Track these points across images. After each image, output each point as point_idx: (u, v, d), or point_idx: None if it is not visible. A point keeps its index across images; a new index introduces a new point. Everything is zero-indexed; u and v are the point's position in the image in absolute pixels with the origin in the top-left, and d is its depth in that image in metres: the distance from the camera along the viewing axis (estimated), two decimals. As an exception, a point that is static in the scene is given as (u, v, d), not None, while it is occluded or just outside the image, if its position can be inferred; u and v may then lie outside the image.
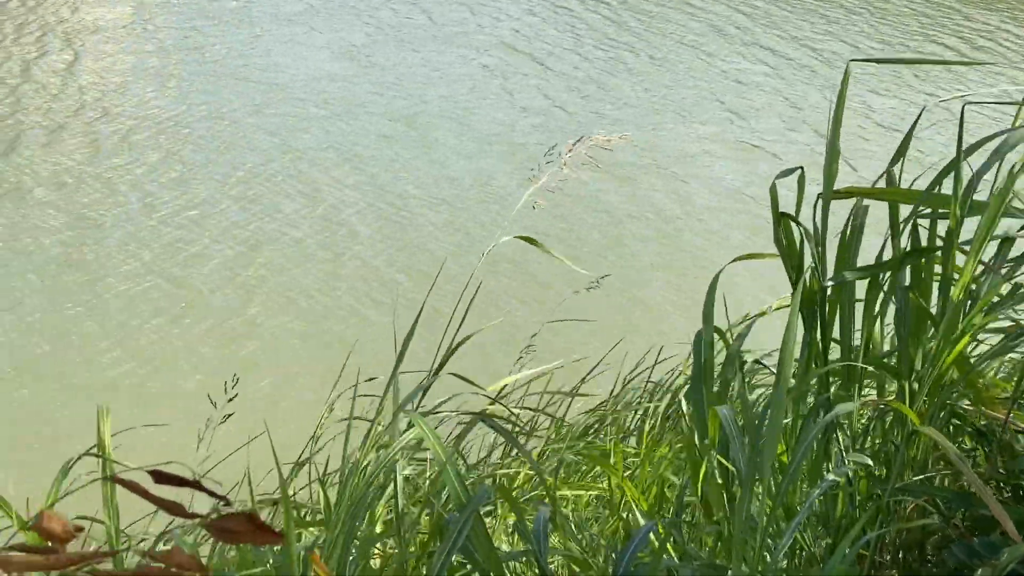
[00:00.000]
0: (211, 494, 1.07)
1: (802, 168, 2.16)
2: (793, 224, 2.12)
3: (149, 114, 11.77)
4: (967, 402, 2.13)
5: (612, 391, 4.50)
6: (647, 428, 3.46)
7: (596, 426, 3.97)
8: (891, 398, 2.22)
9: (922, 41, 16.00)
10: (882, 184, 2.24)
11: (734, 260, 2.48)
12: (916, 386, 2.05)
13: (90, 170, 10.41)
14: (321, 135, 11.57)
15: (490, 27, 15.42)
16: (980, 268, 2.11)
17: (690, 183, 10.99)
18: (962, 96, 2.20)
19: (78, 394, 7.21)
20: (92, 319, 8.09)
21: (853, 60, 2.28)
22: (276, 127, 11.67)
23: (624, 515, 2.22)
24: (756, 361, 3.16)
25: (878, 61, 6.16)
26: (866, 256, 2.22)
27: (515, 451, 3.36)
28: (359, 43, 14.42)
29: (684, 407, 3.14)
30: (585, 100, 13.11)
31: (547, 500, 2.69)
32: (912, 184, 2.34)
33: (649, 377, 4.41)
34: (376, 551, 2.23)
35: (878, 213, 2.29)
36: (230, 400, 3.36)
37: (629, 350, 4.65)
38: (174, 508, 1.07)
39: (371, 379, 3.07)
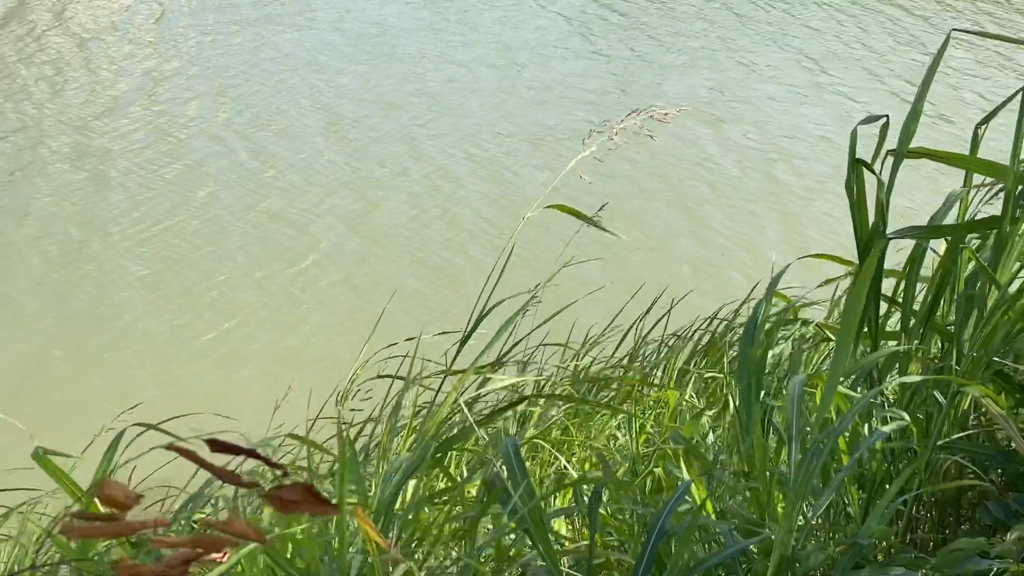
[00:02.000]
0: (268, 463, 1.11)
1: (887, 117, 2.12)
2: (866, 174, 2.08)
3: (244, 66, 11.89)
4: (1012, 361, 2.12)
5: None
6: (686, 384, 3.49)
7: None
8: (937, 358, 2.23)
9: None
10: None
11: (800, 257, 2.51)
12: (966, 346, 2.04)
13: (195, 125, 10.55)
14: (403, 84, 11.64)
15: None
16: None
17: (764, 131, 10.93)
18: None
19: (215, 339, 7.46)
20: (228, 266, 8.27)
21: (956, 30, 2.26)
22: (364, 75, 11.77)
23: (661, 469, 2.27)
24: (805, 322, 3.18)
25: (982, 34, 6.01)
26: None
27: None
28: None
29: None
30: (665, 49, 13.03)
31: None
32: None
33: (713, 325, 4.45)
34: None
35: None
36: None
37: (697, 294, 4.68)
38: (230, 477, 1.12)
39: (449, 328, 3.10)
